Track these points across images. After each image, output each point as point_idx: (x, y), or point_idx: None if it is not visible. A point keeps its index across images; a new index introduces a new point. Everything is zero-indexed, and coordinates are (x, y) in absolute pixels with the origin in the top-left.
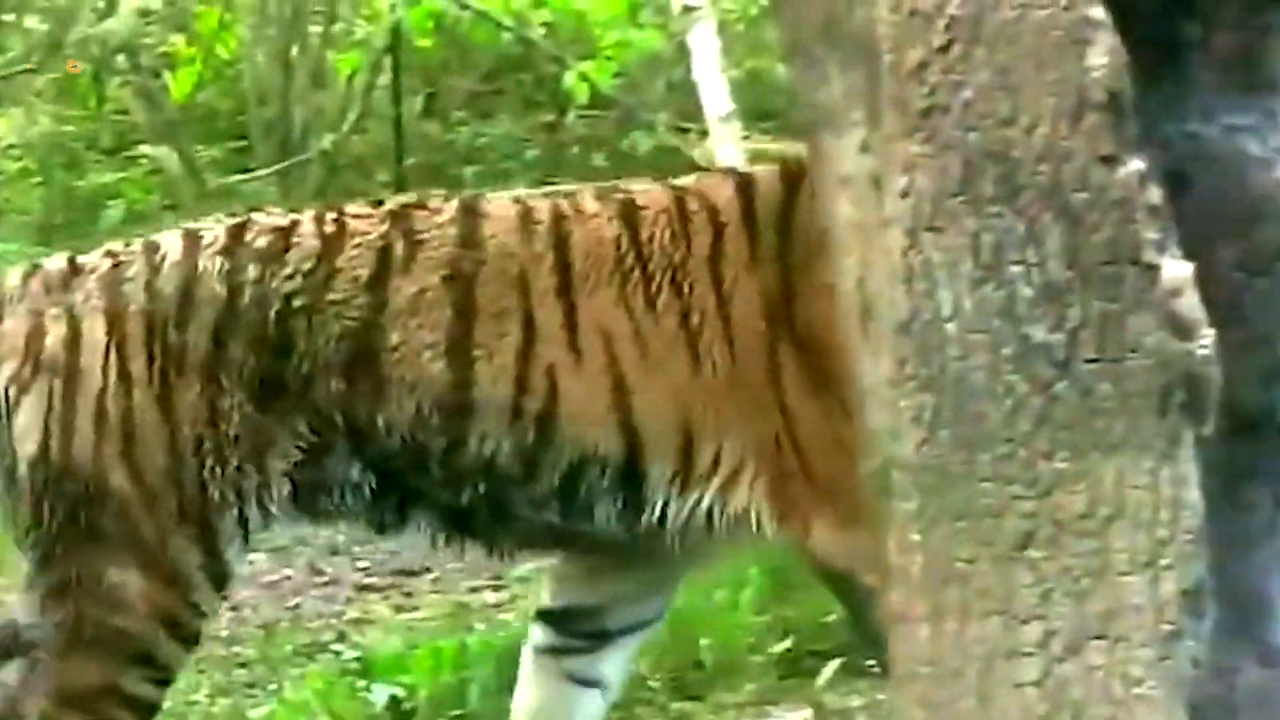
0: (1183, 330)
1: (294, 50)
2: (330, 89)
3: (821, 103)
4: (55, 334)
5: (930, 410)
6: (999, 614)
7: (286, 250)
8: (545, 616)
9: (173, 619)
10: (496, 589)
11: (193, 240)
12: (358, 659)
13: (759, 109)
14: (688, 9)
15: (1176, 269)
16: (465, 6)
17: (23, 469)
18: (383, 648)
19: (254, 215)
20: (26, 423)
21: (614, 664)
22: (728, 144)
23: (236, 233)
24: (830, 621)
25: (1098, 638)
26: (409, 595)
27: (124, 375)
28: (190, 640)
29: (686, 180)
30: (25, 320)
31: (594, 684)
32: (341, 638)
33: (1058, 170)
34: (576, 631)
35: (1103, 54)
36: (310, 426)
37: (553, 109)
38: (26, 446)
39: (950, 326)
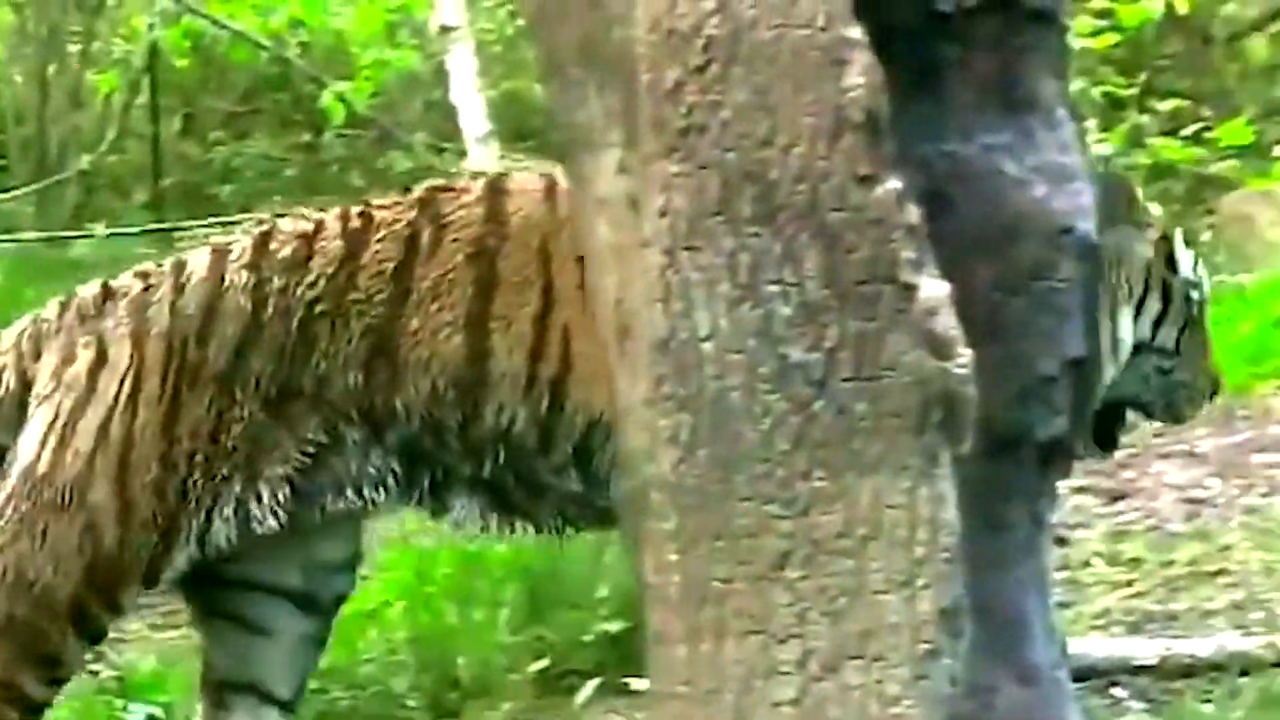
0: (940, 349)
1: (51, 69)
2: (88, 108)
3: (579, 123)
4: (83, 359)
5: (687, 430)
6: (756, 634)
7: (310, 258)
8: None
9: (90, 619)
10: None
11: (219, 256)
12: (116, 677)
13: (517, 129)
14: (445, 29)
15: (934, 288)
16: (223, 26)
17: (12, 478)
18: (140, 666)
19: (280, 222)
20: (30, 434)
21: None
22: (486, 164)
23: (261, 244)
24: (588, 640)
25: (855, 657)
26: (167, 614)
27: (134, 395)
28: (96, 639)
29: None
30: (59, 352)
31: None
32: (99, 656)
33: (815, 190)
34: None
35: (860, 74)
36: (322, 426)
37: (310, 129)
38: (23, 455)
39: (707, 346)
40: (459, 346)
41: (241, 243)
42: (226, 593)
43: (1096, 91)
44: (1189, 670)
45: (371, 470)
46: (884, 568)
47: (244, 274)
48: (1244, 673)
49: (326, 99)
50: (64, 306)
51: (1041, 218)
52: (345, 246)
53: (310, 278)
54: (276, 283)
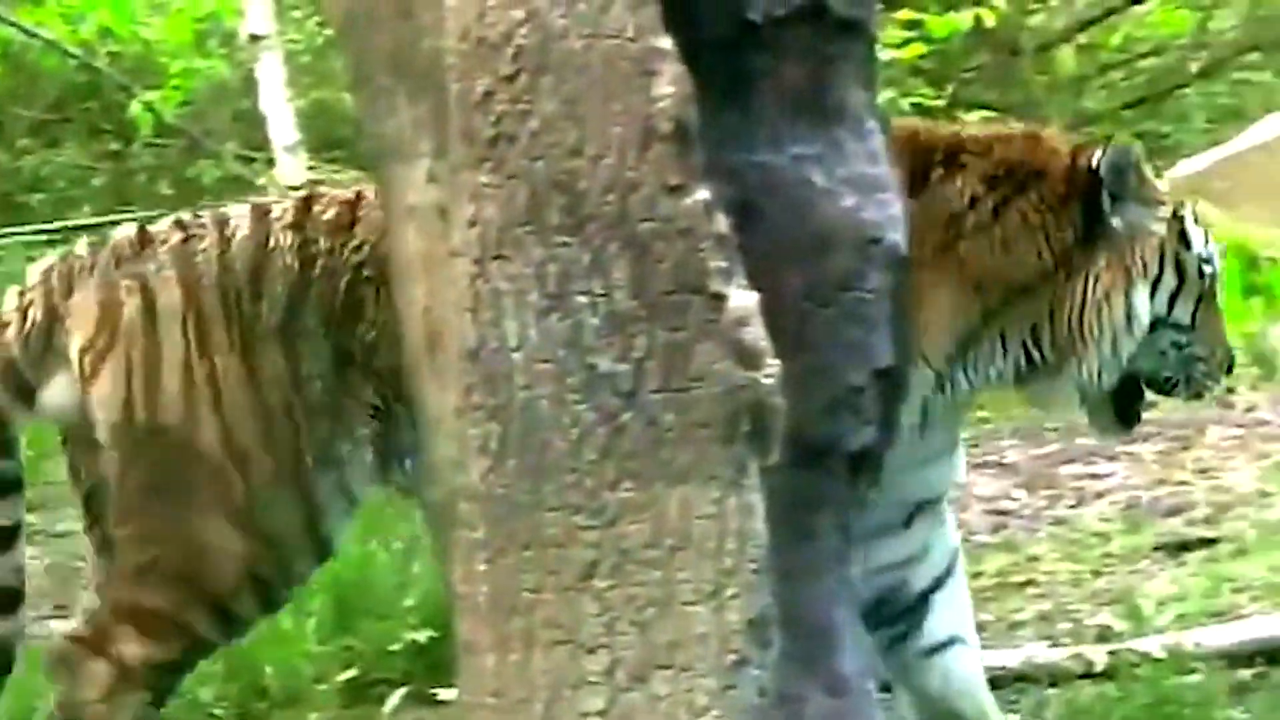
0: (748, 360)
1: None
2: None
3: (388, 133)
4: (131, 304)
5: (496, 439)
6: (565, 644)
7: (354, 223)
8: None
9: (264, 581)
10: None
11: (262, 213)
12: None
13: (326, 139)
14: (255, 38)
15: (742, 299)
16: (32, 35)
17: (104, 434)
18: None
19: (320, 189)
20: (108, 389)
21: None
22: (295, 173)
23: (305, 206)
24: (396, 650)
25: (663, 667)
26: None
27: (204, 342)
28: (274, 605)
29: None
30: (97, 292)
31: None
32: None
33: (624, 200)
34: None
35: (669, 84)
36: (377, 393)
37: (119, 138)
38: (109, 413)
39: (516, 356)
40: None
41: (283, 204)
42: None
43: (905, 102)
44: (996, 681)
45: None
46: (692, 578)
47: (289, 234)
48: (1052, 684)
49: (135, 108)
50: (95, 247)
51: (850, 228)
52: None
53: (355, 242)
54: (323, 244)
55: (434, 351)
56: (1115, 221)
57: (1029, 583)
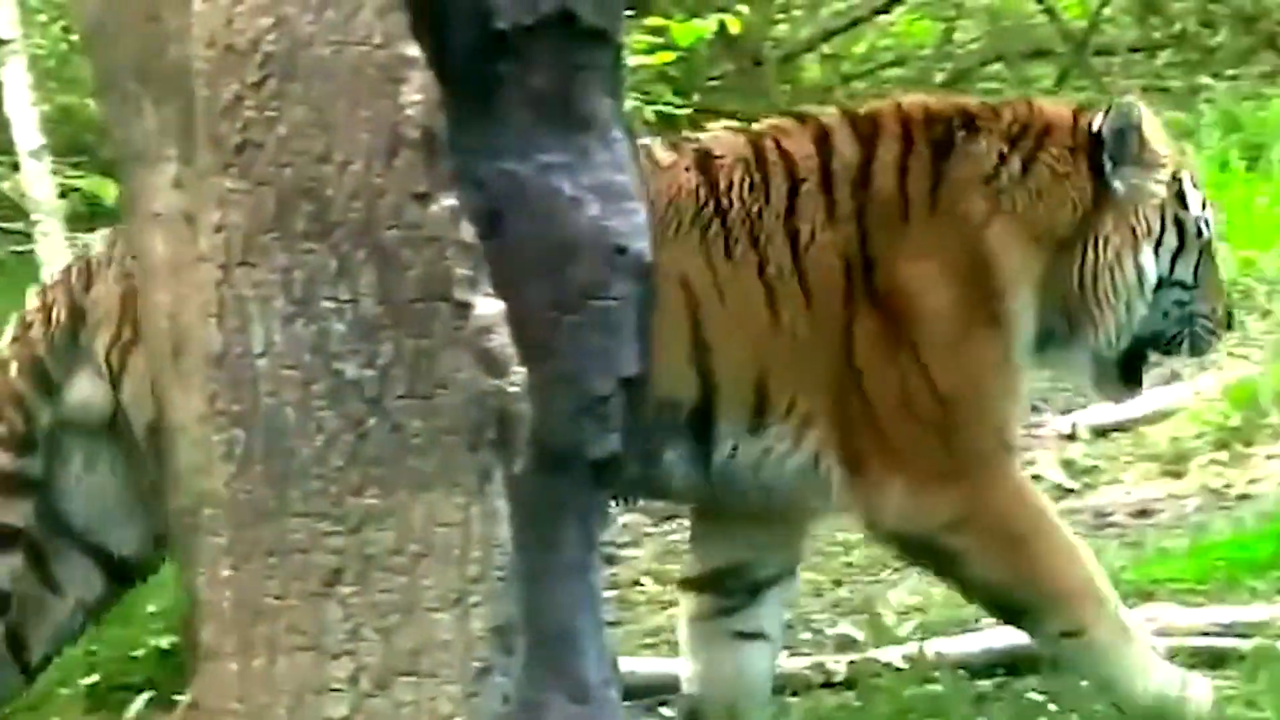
0: (494, 367)
1: None
2: None
3: (134, 138)
4: None
5: (241, 446)
6: (309, 650)
7: None
8: (696, 584)
9: None
10: None
11: None
12: None
13: (71, 144)
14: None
15: (489, 306)
16: None
17: (140, 433)
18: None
19: None
20: (136, 388)
21: (772, 616)
22: (39, 179)
23: None
24: (139, 656)
25: (407, 674)
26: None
27: None
28: None
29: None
30: (117, 284)
31: (760, 636)
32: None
33: (371, 207)
34: (731, 590)
35: (417, 91)
36: None
37: None
38: (142, 411)
39: (262, 362)
40: None
41: None
42: None
43: (650, 110)
44: None
45: None
46: (437, 585)
47: None
48: (793, 694)
49: None
50: (114, 237)
51: (596, 237)
52: None
53: None
54: None
55: (179, 357)
56: (1117, 184)
57: None
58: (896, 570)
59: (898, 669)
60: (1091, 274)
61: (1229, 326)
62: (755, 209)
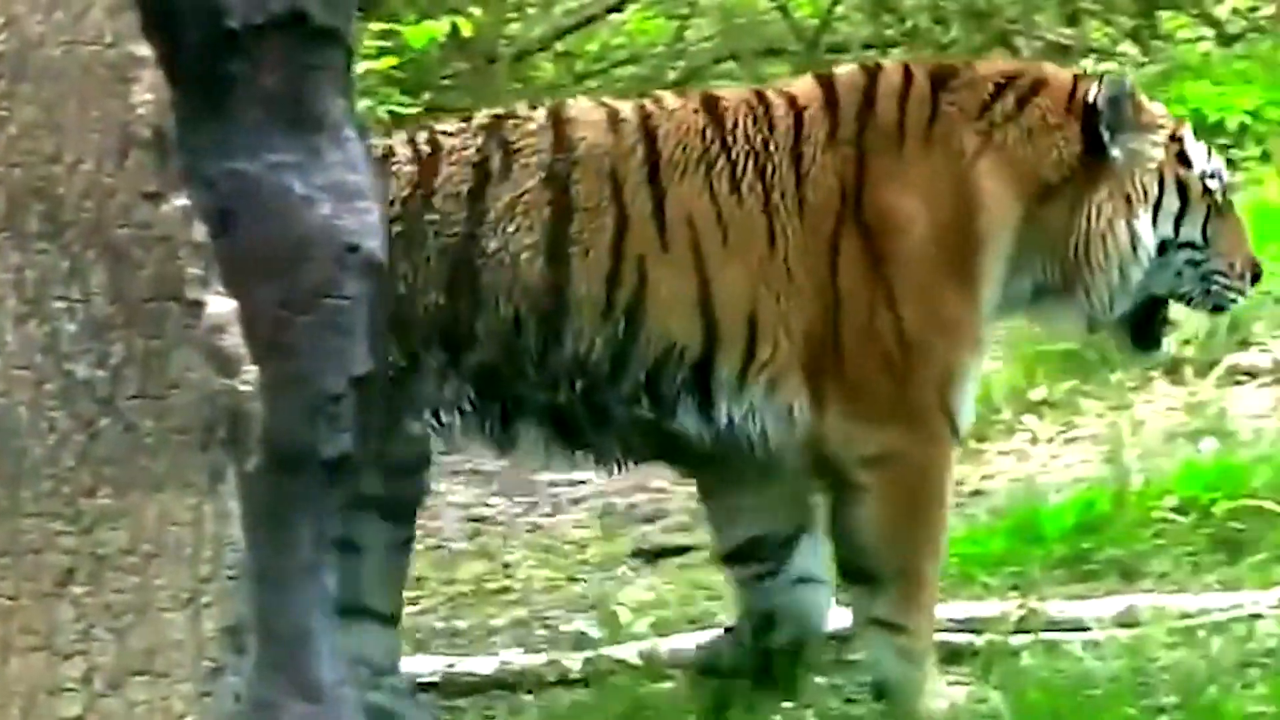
0: (226, 367)
1: None
2: None
3: None
4: None
5: None
6: (41, 650)
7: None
8: (730, 557)
9: None
10: None
11: None
12: None
13: None
14: None
15: (220, 306)
16: None
17: None
18: None
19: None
20: None
21: (817, 557)
22: None
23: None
24: None
25: (140, 673)
26: None
27: None
28: None
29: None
30: None
31: (814, 580)
32: None
33: (102, 207)
34: (764, 557)
35: (147, 91)
36: (401, 351)
37: None
38: None
39: None
40: (537, 272)
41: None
42: None
43: (382, 110)
44: (473, 688)
45: (447, 396)
46: (169, 584)
47: None
48: (528, 691)
49: None
50: None
51: (328, 236)
52: (419, 170)
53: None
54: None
55: None
56: (1115, 152)
57: (505, 590)
58: (631, 567)
59: (632, 666)
60: (1083, 240)
61: (1255, 280)
62: (760, 140)
